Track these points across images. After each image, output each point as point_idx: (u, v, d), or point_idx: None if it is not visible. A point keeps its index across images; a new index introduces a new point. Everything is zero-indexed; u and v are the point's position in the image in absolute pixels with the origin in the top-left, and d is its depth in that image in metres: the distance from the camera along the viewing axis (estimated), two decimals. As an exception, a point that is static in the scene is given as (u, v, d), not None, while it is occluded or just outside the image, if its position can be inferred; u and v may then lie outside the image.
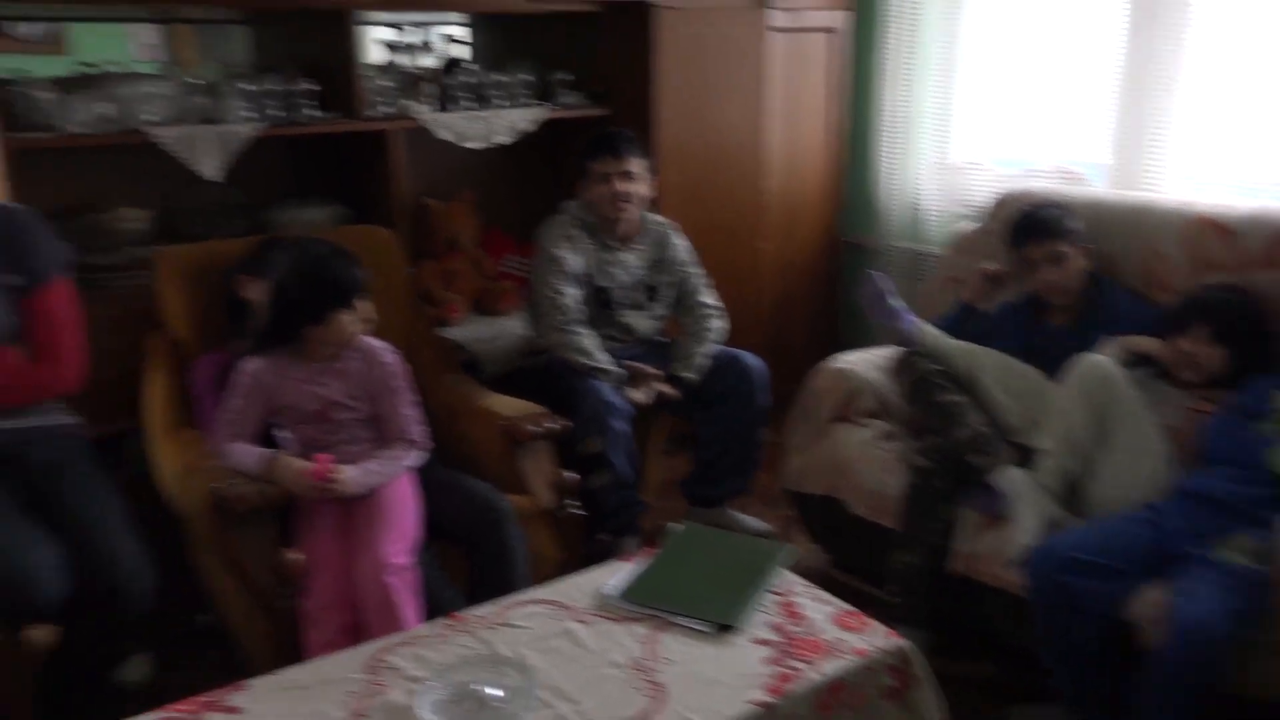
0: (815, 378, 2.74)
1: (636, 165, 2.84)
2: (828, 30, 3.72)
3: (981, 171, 3.58)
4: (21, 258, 2.05)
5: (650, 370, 2.81)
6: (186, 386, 2.38)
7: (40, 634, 1.90)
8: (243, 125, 2.62)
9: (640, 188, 2.86)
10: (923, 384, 2.44)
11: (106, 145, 2.53)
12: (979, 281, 2.66)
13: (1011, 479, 2.22)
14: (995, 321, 2.58)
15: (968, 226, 3.10)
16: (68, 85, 2.53)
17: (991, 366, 2.40)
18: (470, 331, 3.13)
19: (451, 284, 3.25)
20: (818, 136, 3.80)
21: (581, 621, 1.74)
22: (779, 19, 3.51)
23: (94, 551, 1.92)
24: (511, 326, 3.18)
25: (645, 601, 1.77)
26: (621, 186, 2.81)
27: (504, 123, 3.09)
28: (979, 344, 2.47)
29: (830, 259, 3.97)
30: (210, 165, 2.57)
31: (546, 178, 3.55)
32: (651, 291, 2.98)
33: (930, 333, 2.51)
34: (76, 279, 2.19)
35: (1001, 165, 3.55)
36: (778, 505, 3.02)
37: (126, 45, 3.02)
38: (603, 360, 2.74)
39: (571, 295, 2.78)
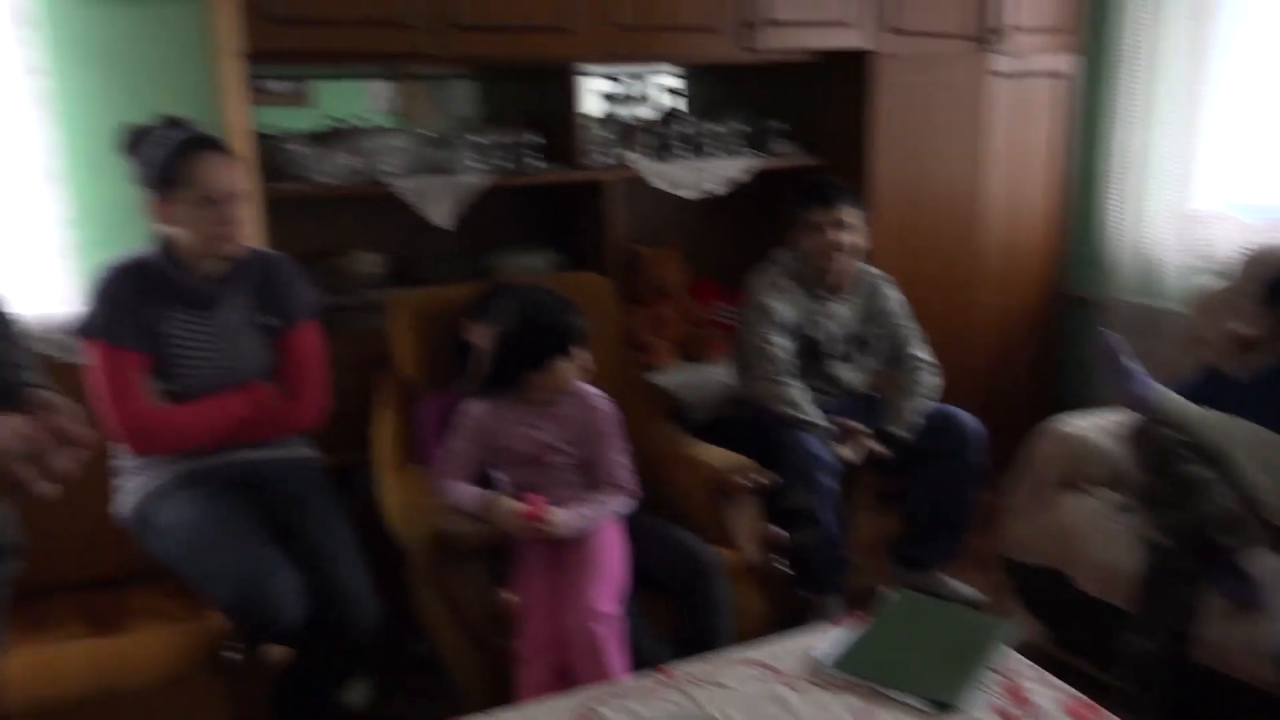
0: (1039, 440, 2.60)
1: (850, 215, 2.80)
2: (1054, 75, 3.56)
3: (1225, 221, 3.32)
4: (278, 301, 2.22)
5: (860, 427, 2.74)
6: (413, 424, 2.50)
7: (276, 654, 2.02)
8: (472, 176, 2.75)
9: (853, 238, 2.81)
10: (1163, 454, 2.26)
11: (350, 195, 2.71)
12: (1228, 345, 2.45)
13: (1267, 563, 2.02)
14: (1249, 390, 2.36)
15: (1211, 282, 2.87)
16: (318, 139, 2.74)
17: (1245, 439, 2.20)
18: (677, 378, 3.15)
19: (660, 330, 3.28)
20: (1040, 184, 3.63)
21: (792, 687, 1.69)
22: (1003, 64, 3.39)
23: (328, 580, 2.03)
24: (718, 374, 3.17)
25: (859, 672, 1.71)
26: (834, 236, 2.77)
27: (718, 172, 3.12)
28: (1228, 414, 2.27)
29: (1052, 313, 3.78)
30: (441, 214, 2.71)
31: (757, 226, 3.54)
32: (862, 344, 2.91)
33: (1172, 399, 2.33)
34: (321, 320, 2.35)
35: (1249, 215, 3.28)
36: (992, 572, 2.87)
37: (364, 98, 3.25)
38: (812, 413, 2.69)
39: (781, 346, 2.75)
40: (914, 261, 3.31)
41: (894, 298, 2.95)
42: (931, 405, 2.85)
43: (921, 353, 2.93)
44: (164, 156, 2.04)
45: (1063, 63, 3.57)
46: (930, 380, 2.88)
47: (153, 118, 2.15)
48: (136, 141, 2.11)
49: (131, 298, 2.06)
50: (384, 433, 2.50)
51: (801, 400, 2.71)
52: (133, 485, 2.14)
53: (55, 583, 2.18)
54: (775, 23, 3.04)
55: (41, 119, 2.61)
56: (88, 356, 2.07)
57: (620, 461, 2.27)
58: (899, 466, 2.80)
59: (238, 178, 2.11)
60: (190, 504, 2.07)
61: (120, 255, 2.13)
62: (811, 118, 3.35)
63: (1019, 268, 3.65)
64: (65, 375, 1.86)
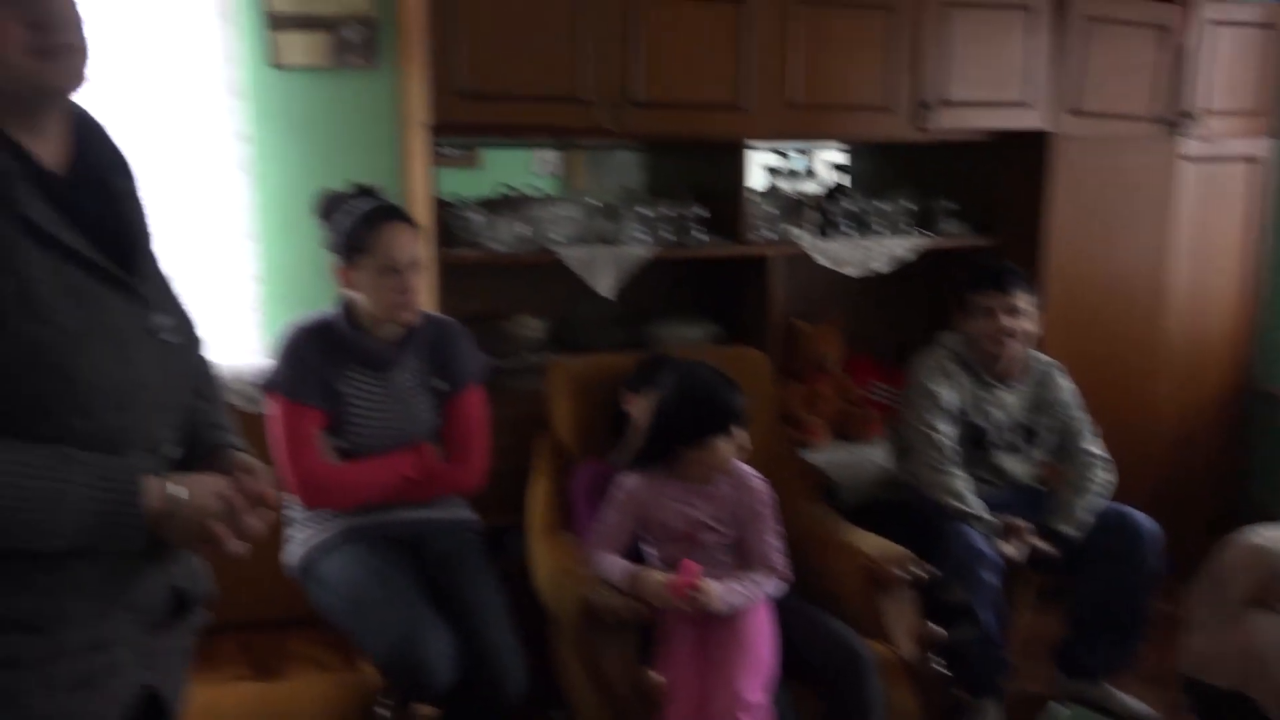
0: (1226, 551, 2.42)
1: (1023, 300, 2.70)
2: (1247, 159, 3.39)
3: None
4: (449, 366, 2.28)
5: (1024, 523, 2.61)
6: (566, 490, 2.52)
7: (425, 713, 2.04)
8: (637, 247, 2.79)
9: (1026, 324, 2.71)
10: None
11: (519, 262, 2.78)
12: None
13: None
14: None
15: None
16: (490, 206, 2.83)
17: None
18: (831, 457, 3.08)
19: (815, 407, 3.23)
20: (1230, 272, 3.44)
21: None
22: (1193, 148, 3.24)
23: (480, 642, 2.05)
24: (872, 455, 3.09)
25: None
26: (1007, 322, 2.68)
27: (884, 250, 3.06)
28: None
29: (1239, 410, 3.54)
30: (606, 284, 2.75)
31: (918, 304, 3.47)
32: (1030, 434, 2.79)
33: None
34: (485, 383, 2.40)
35: None
36: (1168, 690, 2.66)
37: (530, 161, 3.36)
38: (976, 506, 2.58)
39: (947, 433, 2.66)
40: (1088, 350, 3.16)
41: (1066, 387, 2.81)
42: (1103, 503, 2.69)
43: (1094, 446, 2.78)
44: (351, 224, 2.15)
45: (1257, 147, 3.39)
46: (1103, 477, 2.73)
47: (346, 185, 2.27)
48: (329, 207, 2.23)
49: (314, 356, 2.16)
50: (538, 497, 2.52)
51: (966, 491, 2.61)
52: (300, 536, 2.22)
53: (221, 622, 2.26)
54: (952, 103, 2.99)
55: (243, 182, 2.79)
56: (270, 409, 2.17)
57: (774, 543, 2.22)
58: (1065, 565, 2.65)
59: (418, 247, 2.19)
60: (353, 559, 2.13)
61: (305, 316, 2.25)
62: (983, 197, 3.27)
63: (1203, 360, 3.44)
64: (247, 424, 1.95)
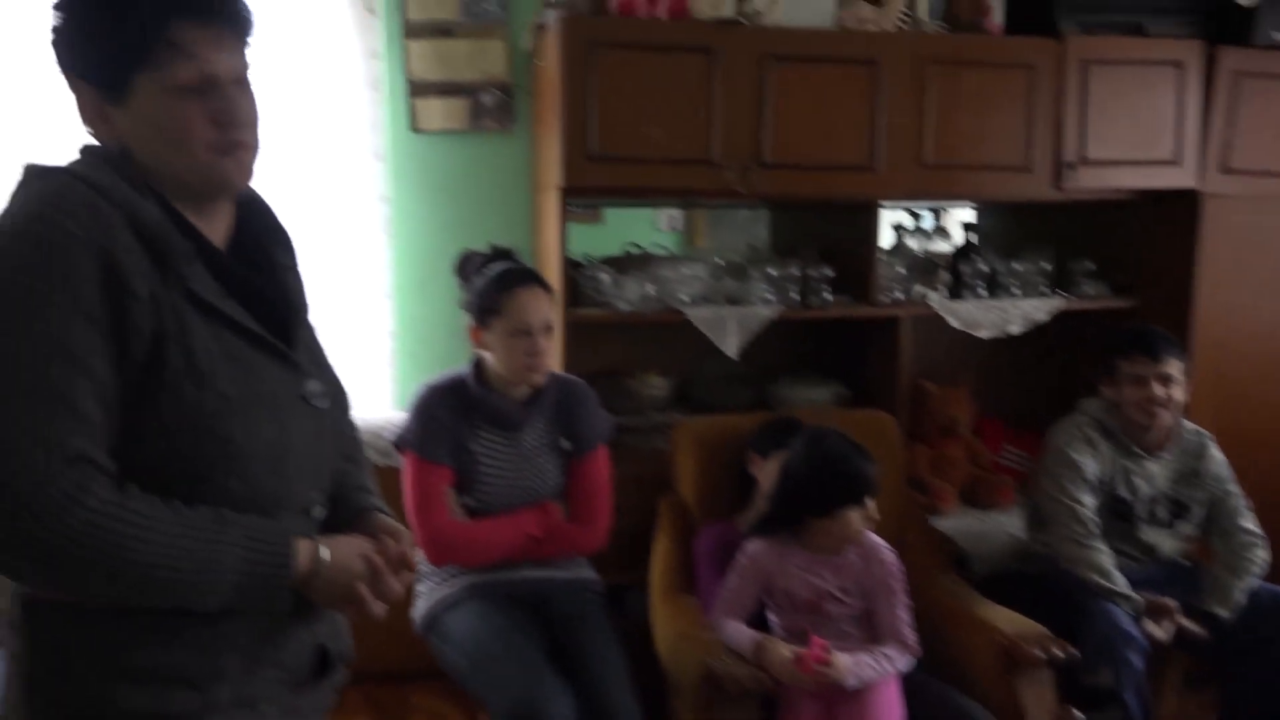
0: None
1: (1175, 368, 2.57)
2: None
3: None
4: (576, 427, 2.30)
5: (1172, 603, 2.46)
6: (690, 552, 2.49)
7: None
8: (764, 307, 2.77)
9: (1177, 393, 2.58)
10: None
11: (645, 321, 2.80)
12: None
13: None
14: None
15: None
16: (618, 265, 2.86)
17: None
18: (959, 524, 2.97)
19: (944, 472, 3.13)
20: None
21: None
22: (1352, 207, 3.06)
23: (600, 704, 2.04)
24: (1005, 523, 2.98)
25: None
26: (1158, 391, 2.55)
27: (1018, 312, 2.97)
28: None
29: None
30: (732, 344, 2.74)
31: (1050, 367, 3.35)
32: (1178, 508, 2.64)
33: None
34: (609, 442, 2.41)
35: None
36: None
37: (653, 217, 3.39)
38: (1121, 584, 2.45)
39: (1089, 505, 2.55)
40: (1238, 419, 2.99)
41: (1218, 459, 2.66)
42: (1258, 583, 2.53)
43: (1249, 522, 2.61)
44: (485, 286, 2.20)
45: None
46: (1259, 555, 2.57)
47: (485, 246, 2.32)
48: (467, 267, 2.29)
49: (445, 415, 2.21)
50: (660, 559, 2.51)
51: (1111, 567, 2.48)
52: (427, 591, 2.26)
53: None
54: (1093, 162, 2.90)
55: (381, 241, 2.90)
56: (402, 466, 2.22)
57: (904, 617, 2.15)
58: (1215, 649, 2.49)
59: (548, 311, 2.22)
60: (477, 617, 2.15)
61: (438, 375, 2.30)
62: (1122, 256, 3.15)
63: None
64: (379, 478, 2.00)
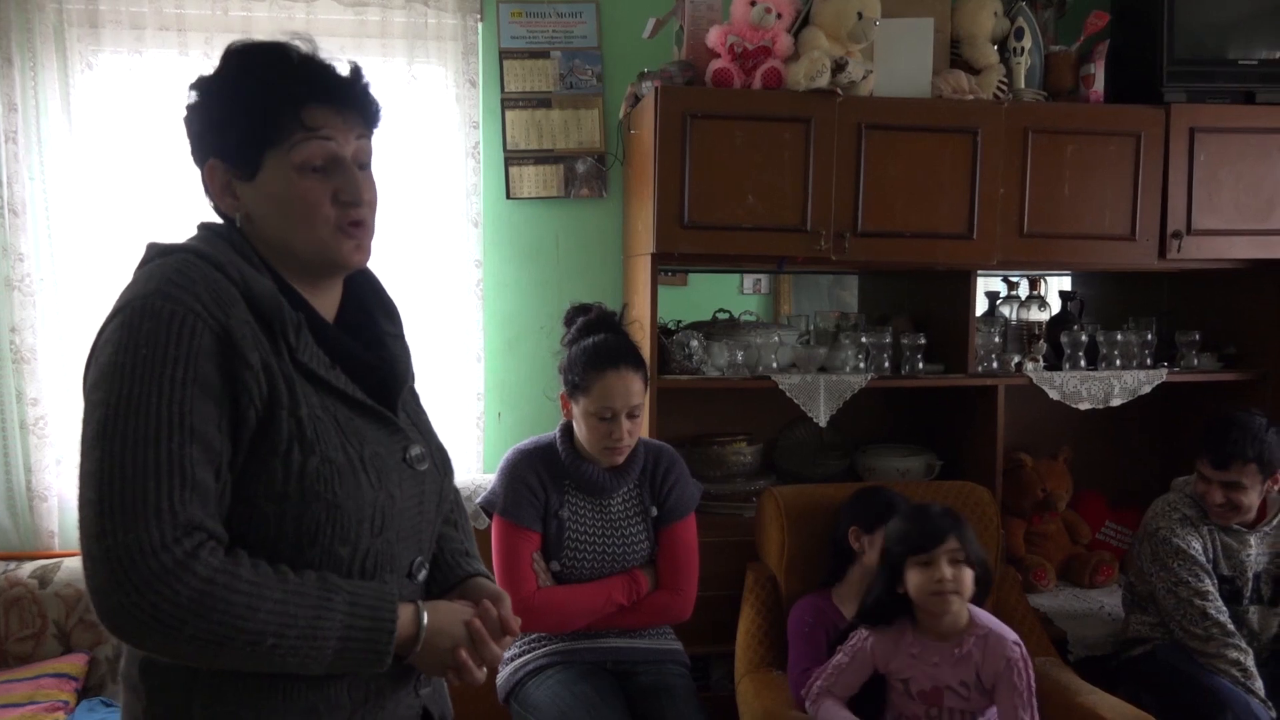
0: None
1: (1246, 474, 2.43)
2: None
3: None
4: (664, 495, 2.28)
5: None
6: (780, 626, 2.43)
7: None
8: (854, 376, 2.73)
9: (1245, 499, 2.44)
10: None
11: (734, 388, 2.78)
12: None
13: None
14: None
15: None
16: (707, 331, 2.84)
17: None
18: (1057, 602, 2.87)
19: (1041, 548, 3.03)
20: None
21: None
22: None
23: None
24: (1104, 602, 2.86)
25: None
26: (1219, 496, 2.45)
27: (1120, 384, 2.88)
28: None
29: None
30: (821, 411, 2.70)
31: (1153, 440, 3.23)
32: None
33: None
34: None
35: None
36: None
37: (738, 280, 3.38)
38: (1259, 687, 2.33)
39: (1215, 593, 2.43)
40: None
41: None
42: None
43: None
44: (577, 359, 2.18)
45: None
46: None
47: (596, 303, 2.30)
48: (570, 324, 2.27)
49: (534, 480, 2.21)
50: (746, 630, 2.46)
51: (1251, 665, 2.36)
52: (510, 657, 2.24)
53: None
54: (1201, 231, 2.82)
55: (475, 305, 2.94)
56: (491, 529, 2.23)
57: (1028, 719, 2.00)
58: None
59: (637, 395, 2.16)
60: (560, 685, 2.13)
61: (528, 440, 2.31)
62: (1230, 327, 3.04)
63: None
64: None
